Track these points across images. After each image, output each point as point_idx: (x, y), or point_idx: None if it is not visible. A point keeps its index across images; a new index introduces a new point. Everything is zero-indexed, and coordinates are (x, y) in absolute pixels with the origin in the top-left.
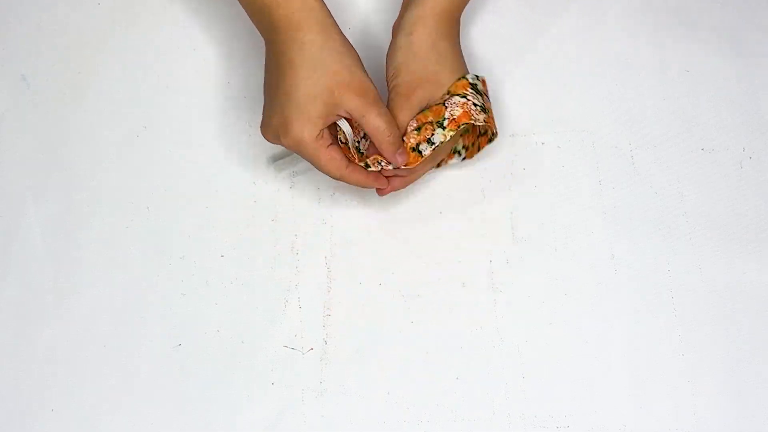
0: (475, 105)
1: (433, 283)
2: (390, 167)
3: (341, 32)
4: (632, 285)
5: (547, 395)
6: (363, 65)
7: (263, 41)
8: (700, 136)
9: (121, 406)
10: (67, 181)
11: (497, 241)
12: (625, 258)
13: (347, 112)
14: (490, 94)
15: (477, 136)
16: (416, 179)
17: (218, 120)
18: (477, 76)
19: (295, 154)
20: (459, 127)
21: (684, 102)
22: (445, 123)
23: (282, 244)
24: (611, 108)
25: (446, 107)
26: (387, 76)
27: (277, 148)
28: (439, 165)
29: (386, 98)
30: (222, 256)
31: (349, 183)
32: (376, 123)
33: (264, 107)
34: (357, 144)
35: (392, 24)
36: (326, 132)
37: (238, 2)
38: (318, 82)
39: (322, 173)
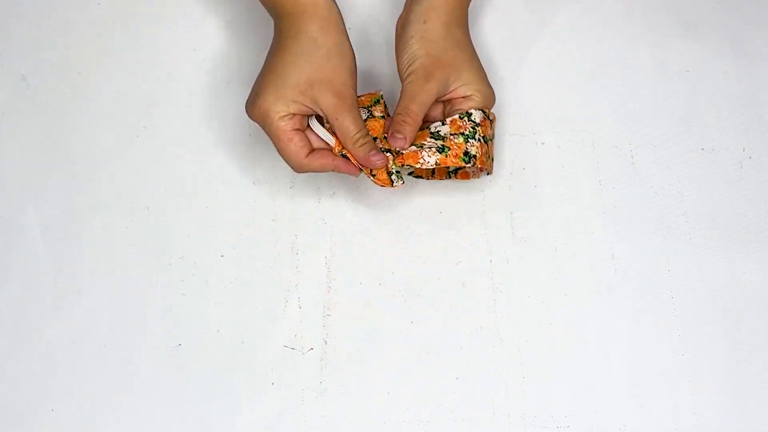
0: (466, 153)
1: (433, 283)
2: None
3: (343, 34)
4: (632, 285)
5: (547, 395)
6: (354, 71)
7: (267, 37)
8: (700, 136)
9: (121, 406)
10: (67, 181)
11: (497, 241)
12: (625, 258)
13: (321, 110)
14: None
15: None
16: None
17: (218, 120)
18: (484, 113)
19: None
20: (449, 158)
21: (684, 102)
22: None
23: (282, 244)
24: (611, 108)
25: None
26: (400, 66)
27: None
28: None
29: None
30: (222, 256)
31: (313, 170)
32: (347, 125)
33: (255, 81)
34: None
35: (395, 21)
36: (297, 119)
37: (237, 2)
38: (301, 71)
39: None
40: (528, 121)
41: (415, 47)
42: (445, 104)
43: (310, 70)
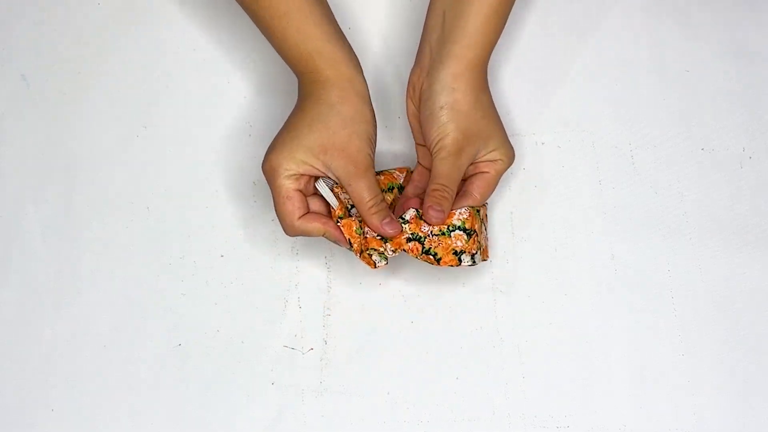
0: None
1: (433, 283)
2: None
3: (365, 102)
4: (632, 285)
5: (547, 395)
6: (371, 138)
7: (272, 49)
8: (700, 136)
9: (121, 406)
10: (67, 181)
11: (497, 241)
12: (625, 258)
13: (333, 175)
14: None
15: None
16: None
17: (218, 120)
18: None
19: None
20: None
21: (684, 102)
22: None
23: (282, 244)
24: (611, 108)
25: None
26: (429, 138)
27: None
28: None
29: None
30: (222, 256)
31: (304, 234)
32: (361, 193)
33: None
34: (349, 207)
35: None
36: (303, 181)
37: (237, 3)
38: (316, 135)
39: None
40: (528, 121)
41: (446, 119)
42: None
43: (324, 136)
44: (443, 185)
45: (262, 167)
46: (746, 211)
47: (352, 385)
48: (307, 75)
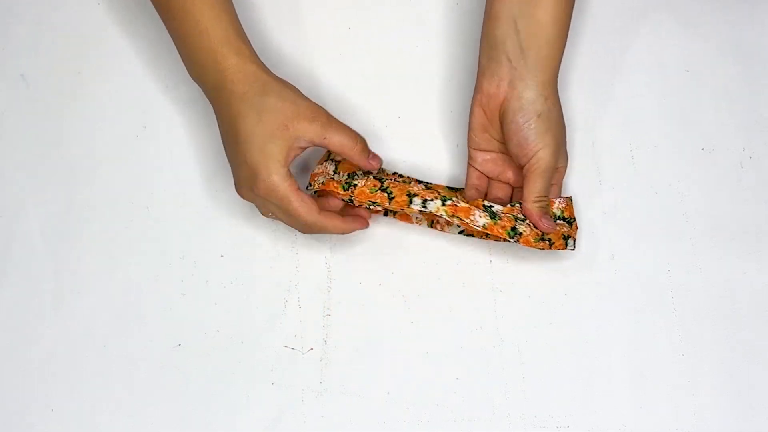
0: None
1: (433, 283)
2: (378, 208)
3: (269, 72)
4: (632, 285)
5: (547, 395)
6: (300, 92)
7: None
8: (700, 136)
9: (121, 406)
10: (67, 181)
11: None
12: (625, 258)
13: (308, 141)
14: None
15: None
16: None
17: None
18: (567, 198)
19: None
20: (453, 218)
21: (684, 102)
22: (448, 203)
23: (282, 244)
24: (611, 108)
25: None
26: (527, 148)
27: None
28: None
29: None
30: (222, 256)
31: (323, 230)
32: (338, 139)
33: (231, 169)
34: (345, 179)
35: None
36: (293, 180)
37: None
38: (269, 123)
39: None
40: None
41: (543, 130)
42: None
43: (275, 116)
44: (541, 199)
45: (255, 191)
46: (746, 211)
47: (352, 385)
48: (217, 81)
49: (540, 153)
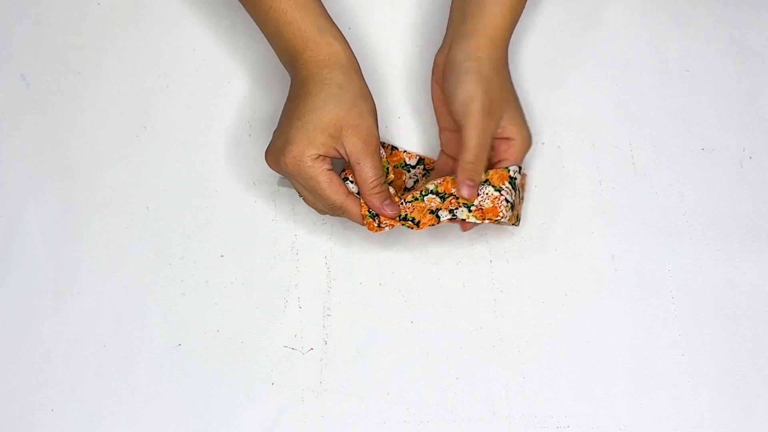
0: (507, 201)
1: (433, 283)
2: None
3: (364, 80)
4: (632, 285)
5: (547, 395)
6: (376, 115)
7: (273, 54)
8: (700, 136)
9: (121, 406)
10: (67, 181)
11: (497, 241)
12: (625, 258)
13: (345, 153)
14: None
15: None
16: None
17: (218, 120)
18: (519, 169)
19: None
20: (484, 220)
21: (684, 102)
22: (473, 208)
23: (282, 244)
24: (611, 108)
25: (478, 194)
26: (455, 103)
27: None
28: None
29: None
30: (222, 256)
31: (345, 214)
32: (367, 172)
33: (274, 132)
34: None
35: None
36: (327, 161)
37: (237, 3)
38: (329, 115)
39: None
40: (528, 121)
41: (473, 84)
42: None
43: (338, 114)
44: (475, 158)
45: (282, 160)
46: (746, 211)
47: (352, 385)
48: (305, 56)
49: (469, 107)
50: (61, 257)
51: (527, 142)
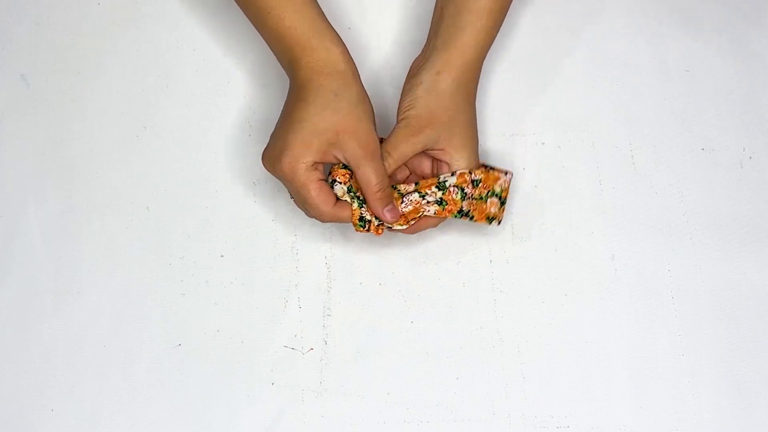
0: (433, 203)
1: (433, 283)
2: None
3: (361, 84)
4: (632, 285)
5: (547, 395)
6: (374, 119)
7: (270, 53)
8: (700, 136)
9: (121, 406)
10: (67, 181)
11: (497, 241)
12: (625, 258)
13: (344, 158)
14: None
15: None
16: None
17: (218, 120)
18: (488, 168)
19: None
20: (408, 222)
21: (684, 102)
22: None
23: (282, 244)
24: (611, 108)
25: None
26: (400, 107)
27: None
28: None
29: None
30: (222, 256)
31: (338, 220)
32: (369, 176)
33: (271, 135)
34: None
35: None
36: (320, 169)
37: (237, 3)
38: (326, 120)
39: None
40: (528, 121)
41: (420, 94)
42: (434, 162)
43: (335, 120)
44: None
45: (277, 165)
46: (746, 211)
47: (352, 385)
48: (302, 61)
49: (406, 113)
50: (61, 257)
51: (465, 160)
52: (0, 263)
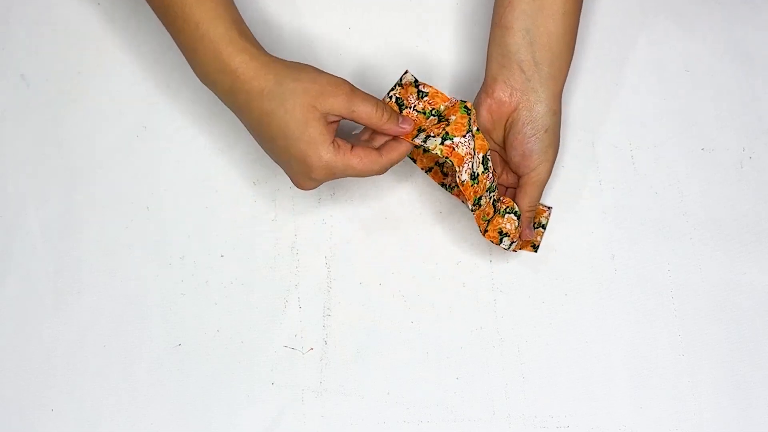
0: (467, 151)
1: (433, 283)
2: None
3: (283, 60)
4: (632, 285)
5: (547, 395)
6: (318, 68)
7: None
8: (700, 136)
9: (121, 406)
10: (67, 181)
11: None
12: (625, 258)
13: (337, 115)
14: None
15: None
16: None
17: (218, 120)
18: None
19: None
20: (446, 158)
21: (684, 102)
22: (447, 143)
23: (282, 244)
24: (611, 108)
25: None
26: (529, 159)
27: None
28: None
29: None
30: (222, 256)
31: (392, 165)
32: (365, 109)
33: (281, 166)
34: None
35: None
36: (338, 139)
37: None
38: (296, 109)
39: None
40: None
41: (547, 144)
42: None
43: (300, 100)
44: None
45: (318, 175)
46: (746, 211)
47: (352, 385)
48: (234, 84)
49: (540, 167)
50: (61, 257)
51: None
52: (0, 263)
